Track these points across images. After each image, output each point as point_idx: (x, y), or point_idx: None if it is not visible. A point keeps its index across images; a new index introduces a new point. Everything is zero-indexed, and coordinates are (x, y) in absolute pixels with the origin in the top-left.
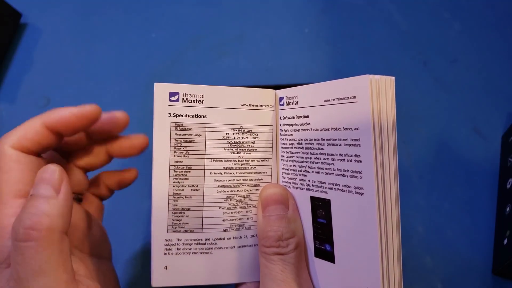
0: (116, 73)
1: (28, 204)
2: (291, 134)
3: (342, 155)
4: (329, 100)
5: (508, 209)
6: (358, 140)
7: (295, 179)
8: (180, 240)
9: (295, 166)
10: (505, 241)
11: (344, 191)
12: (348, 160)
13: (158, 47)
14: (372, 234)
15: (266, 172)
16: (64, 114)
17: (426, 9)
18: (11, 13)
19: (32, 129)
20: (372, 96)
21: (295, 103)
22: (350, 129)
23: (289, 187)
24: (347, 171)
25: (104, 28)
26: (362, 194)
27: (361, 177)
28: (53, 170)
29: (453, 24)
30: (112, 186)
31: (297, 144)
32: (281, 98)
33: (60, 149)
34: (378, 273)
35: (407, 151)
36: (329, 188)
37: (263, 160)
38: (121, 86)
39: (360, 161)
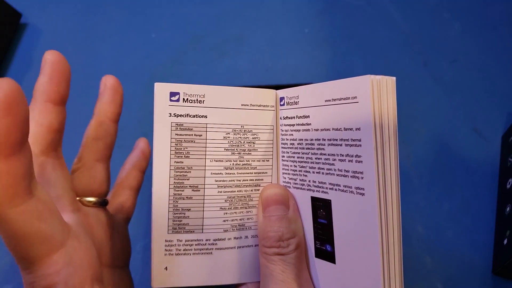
0: (116, 73)
1: None
2: (292, 134)
3: (343, 155)
4: (330, 100)
5: (508, 209)
6: (359, 140)
7: (295, 179)
8: (181, 240)
9: (296, 166)
10: (505, 241)
11: (345, 191)
12: (349, 161)
13: (158, 47)
14: (373, 235)
15: (266, 172)
16: None
17: (426, 9)
18: (11, 13)
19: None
20: (373, 97)
21: (296, 103)
22: (351, 129)
23: (289, 187)
24: (348, 171)
25: (104, 28)
26: (363, 194)
27: (362, 178)
28: None
29: (453, 24)
30: (141, 165)
31: (298, 144)
32: (282, 98)
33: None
34: (379, 274)
35: (407, 151)
36: (329, 189)
37: (263, 160)
38: None
39: (361, 161)
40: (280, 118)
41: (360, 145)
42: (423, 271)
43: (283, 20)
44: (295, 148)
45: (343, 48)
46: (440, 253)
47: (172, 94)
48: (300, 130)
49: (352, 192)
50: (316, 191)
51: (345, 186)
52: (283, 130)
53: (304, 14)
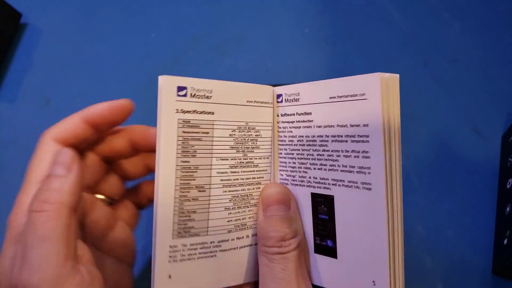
0: (116, 73)
1: (44, 182)
2: (291, 131)
3: (348, 151)
4: (335, 98)
5: (508, 209)
6: (367, 136)
7: (294, 176)
8: (185, 245)
9: (295, 163)
10: (505, 241)
11: (350, 186)
12: (355, 156)
13: (158, 47)
14: (379, 228)
15: (266, 170)
16: (100, 108)
17: (426, 9)
18: (11, 13)
19: (71, 122)
20: (382, 94)
21: (296, 100)
22: (358, 125)
23: (287, 184)
24: (353, 167)
25: (104, 28)
26: (370, 189)
27: (369, 173)
28: (66, 152)
29: (453, 24)
30: (151, 196)
31: (298, 141)
32: (279, 95)
33: (105, 157)
34: (385, 267)
35: (407, 151)
36: (332, 184)
37: (264, 158)
38: (121, 86)
39: (369, 157)
40: (278, 115)
41: (368, 141)
42: (423, 271)
43: (283, 20)
44: (294, 145)
45: (343, 48)
46: (440, 253)
47: (180, 88)
48: (300, 127)
49: (357, 187)
50: (317, 187)
51: (350, 182)
52: (281, 127)
53: (304, 14)
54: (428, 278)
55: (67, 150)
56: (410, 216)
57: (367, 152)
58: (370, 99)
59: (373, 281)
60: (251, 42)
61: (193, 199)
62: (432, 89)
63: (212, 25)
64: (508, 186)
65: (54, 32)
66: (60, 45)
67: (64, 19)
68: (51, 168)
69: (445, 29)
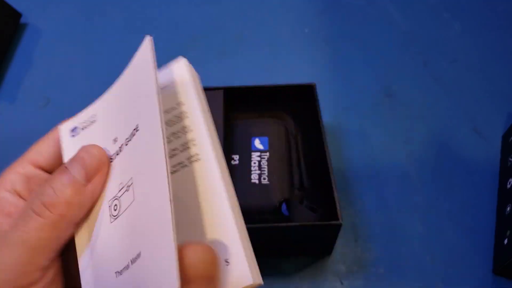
0: (116, 73)
1: (57, 178)
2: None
3: (168, 137)
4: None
5: (508, 209)
6: (186, 112)
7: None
8: None
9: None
10: (505, 241)
11: (176, 171)
12: (177, 137)
13: (158, 47)
14: (220, 198)
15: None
16: None
17: (426, 9)
18: (11, 13)
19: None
20: (188, 69)
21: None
22: (174, 108)
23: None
24: (175, 149)
25: (104, 28)
26: (199, 160)
27: (194, 144)
28: (93, 155)
29: (453, 24)
30: None
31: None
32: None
33: None
34: (236, 238)
35: (407, 151)
36: (174, 170)
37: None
38: None
39: (192, 130)
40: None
41: (187, 116)
42: (423, 271)
43: (283, 20)
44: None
45: (343, 48)
46: (440, 253)
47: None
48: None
49: (186, 165)
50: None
51: (179, 165)
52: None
53: (304, 14)
54: (428, 278)
55: (97, 151)
56: (410, 216)
57: (189, 126)
58: (182, 81)
59: (226, 260)
60: (251, 42)
61: None
62: (432, 89)
63: (212, 25)
64: (508, 186)
65: (54, 32)
66: (60, 45)
67: (64, 19)
68: (71, 163)
69: (445, 29)
